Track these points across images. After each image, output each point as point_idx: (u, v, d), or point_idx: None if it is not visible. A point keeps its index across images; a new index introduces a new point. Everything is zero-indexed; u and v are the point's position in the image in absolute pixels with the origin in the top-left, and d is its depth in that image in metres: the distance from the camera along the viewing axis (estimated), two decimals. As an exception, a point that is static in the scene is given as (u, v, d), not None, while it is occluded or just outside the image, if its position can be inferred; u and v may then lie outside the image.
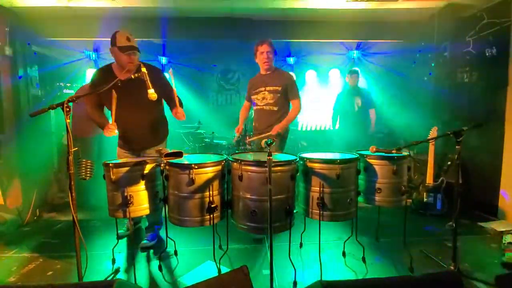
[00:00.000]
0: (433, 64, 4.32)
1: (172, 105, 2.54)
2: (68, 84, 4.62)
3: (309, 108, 5.64)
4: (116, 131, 2.26)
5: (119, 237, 2.56)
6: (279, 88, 2.87)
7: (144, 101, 2.30)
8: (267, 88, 2.90)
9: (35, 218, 3.43)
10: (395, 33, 4.44)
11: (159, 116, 2.61)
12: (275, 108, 2.90)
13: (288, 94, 2.91)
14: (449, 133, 2.09)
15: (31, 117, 1.76)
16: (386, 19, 4.31)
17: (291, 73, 2.99)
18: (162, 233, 2.73)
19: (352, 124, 4.31)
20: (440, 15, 4.10)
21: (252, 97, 3.01)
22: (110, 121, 2.30)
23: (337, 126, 4.65)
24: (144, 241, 2.64)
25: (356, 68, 4.70)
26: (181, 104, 2.50)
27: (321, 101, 5.60)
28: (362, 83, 4.76)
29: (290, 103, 2.96)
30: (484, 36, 3.45)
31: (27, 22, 3.94)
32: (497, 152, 3.32)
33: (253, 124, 3.12)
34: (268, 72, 2.94)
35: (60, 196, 3.96)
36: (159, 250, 2.58)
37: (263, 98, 2.92)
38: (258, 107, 2.97)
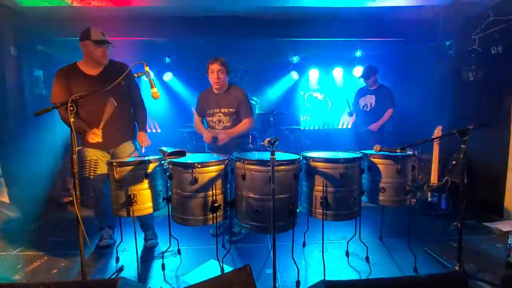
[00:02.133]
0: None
1: (136, 107, 2.62)
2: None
3: (312, 108, 5.64)
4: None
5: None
6: (233, 110, 2.80)
7: (118, 98, 2.32)
8: (222, 110, 2.80)
9: (40, 216, 3.45)
10: (399, 31, 4.40)
11: (129, 114, 2.61)
12: None
13: (240, 113, 2.82)
14: (454, 132, 2.07)
15: (35, 116, 1.77)
16: (390, 17, 4.27)
17: (242, 90, 2.85)
18: (162, 234, 2.74)
19: (364, 124, 4.13)
20: (445, 13, 4.06)
21: (207, 118, 2.90)
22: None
23: (349, 125, 4.53)
24: (151, 241, 2.65)
25: (372, 66, 4.19)
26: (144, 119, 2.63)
27: (323, 100, 5.59)
28: (383, 81, 4.25)
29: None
30: (490, 34, 3.41)
31: (32, 22, 3.97)
32: (502, 151, 3.29)
33: (210, 145, 2.92)
34: (221, 91, 2.82)
35: (64, 195, 3.99)
36: (162, 250, 2.59)
37: (220, 121, 2.83)
38: (216, 130, 2.85)
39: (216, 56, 2.76)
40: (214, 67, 2.70)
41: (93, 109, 2.38)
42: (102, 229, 2.70)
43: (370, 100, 4.04)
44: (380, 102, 3.99)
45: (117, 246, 2.49)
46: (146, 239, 2.68)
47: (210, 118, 2.88)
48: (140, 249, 2.60)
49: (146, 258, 2.49)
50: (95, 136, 2.25)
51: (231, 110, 2.80)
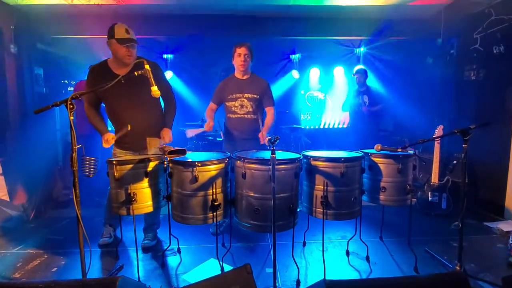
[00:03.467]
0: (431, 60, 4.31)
1: (166, 103, 2.58)
2: (73, 82, 4.64)
3: (312, 107, 5.63)
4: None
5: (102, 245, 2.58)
6: (257, 97, 2.83)
7: (144, 98, 2.30)
8: (245, 95, 2.83)
9: (40, 214, 3.45)
10: (401, 30, 4.39)
11: (159, 114, 2.57)
12: (255, 117, 2.85)
13: (263, 101, 2.88)
14: (456, 131, 2.06)
15: (36, 114, 1.76)
16: (392, 16, 4.26)
17: (265, 80, 2.94)
18: (162, 233, 2.74)
19: (361, 123, 4.37)
20: (447, 12, 4.04)
21: (228, 103, 2.89)
22: (109, 128, 2.38)
23: (345, 124, 4.69)
24: (145, 241, 2.62)
25: (361, 67, 4.68)
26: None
27: (325, 98, 5.58)
28: (370, 81, 4.71)
29: (264, 110, 2.92)
30: (492, 33, 3.40)
31: (32, 20, 3.96)
32: (503, 151, 3.27)
33: (229, 132, 2.98)
34: (245, 77, 2.87)
35: (64, 193, 3.99)
36: (162, 249, 2.59)
37: (242, 106, 2.84)
38: (238, 115, 2.87)
39: (242, 42, 2.82)
40: (242, 50, 2.78)
41: (118, 109, 2.39)
42: (104, 225, 2.69)
43: (364, 99, 4.37)
44: (373, 99, 4.35)
45: (118, 245, 2.49)
46: (143, 239, 2.66)
47: (232, 103, 2.87)
48: (140, 248, 2.60)
49: (146, 256, 2.49)
50: (108, 143, 2.27)
51: (255, 96, 2.83)
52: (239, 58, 2.78)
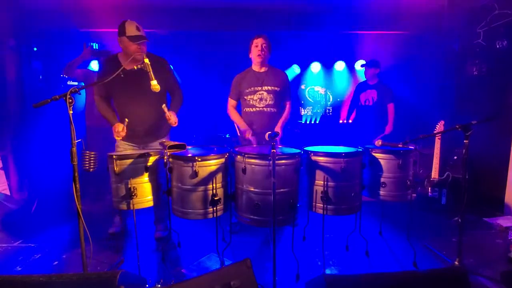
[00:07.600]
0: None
1: (172, 94, 2.61)
2: (72, 76, 4.61)
3: (313, 102, 5.61)
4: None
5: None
6: (278, 89, 2.77)
7: (149, 92, 2.30)
8: (264, 88, 2.76)
9: (41, 209, 3.46)
10: (402, 24, 4.33)
11: (160, 110, 2.55)
12: (275, 110, 2.79)
13: (284, 95, 2.83)
14: (457, 127, 2.05)
15: (35, 109, 1.76)
16: (393, 10, 4.21)
17: (285, 73, 2.92)
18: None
19: (367, 119, 4.08)
20: (450, 6, 3.99)
21: (245, 97, 2.81)
22: (119, 119, 2.41)
23: (351, 120, 4.54)
24: (158, 232, 2.66)
25: (376, 60, 4.24)
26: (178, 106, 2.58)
27: (325, 94, 5.55)
28: (381, 75, 4.20)
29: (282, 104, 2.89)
30: (495, 28, 3.36)
31: (31, 14, 3.92)
32: (504, 147, 3.27)
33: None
34: (262, 70, 2.81)
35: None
36: (164, 242, 2.60)
37: (261, 99, 2.76)
38: (257, 109, 2.78)
39: (259, 33, 2.81)
40: (259, 41, 2.75)
41: (123, 103, 2.44)
42: (115, 215, 2.74)
43: (371, 94, 4.01)
44: (382, 97, 3.95)
45: (118, 239, 2.50)
46: (155, 231, 2.71)
47: (251, 97, 2.78)
48: (140, 242, 2.61)
49: (147, 251, 2.50)
50: (118, 134, 2.29)
51: (275, 88, 2.77)
52: (256, 48, 2.74)
